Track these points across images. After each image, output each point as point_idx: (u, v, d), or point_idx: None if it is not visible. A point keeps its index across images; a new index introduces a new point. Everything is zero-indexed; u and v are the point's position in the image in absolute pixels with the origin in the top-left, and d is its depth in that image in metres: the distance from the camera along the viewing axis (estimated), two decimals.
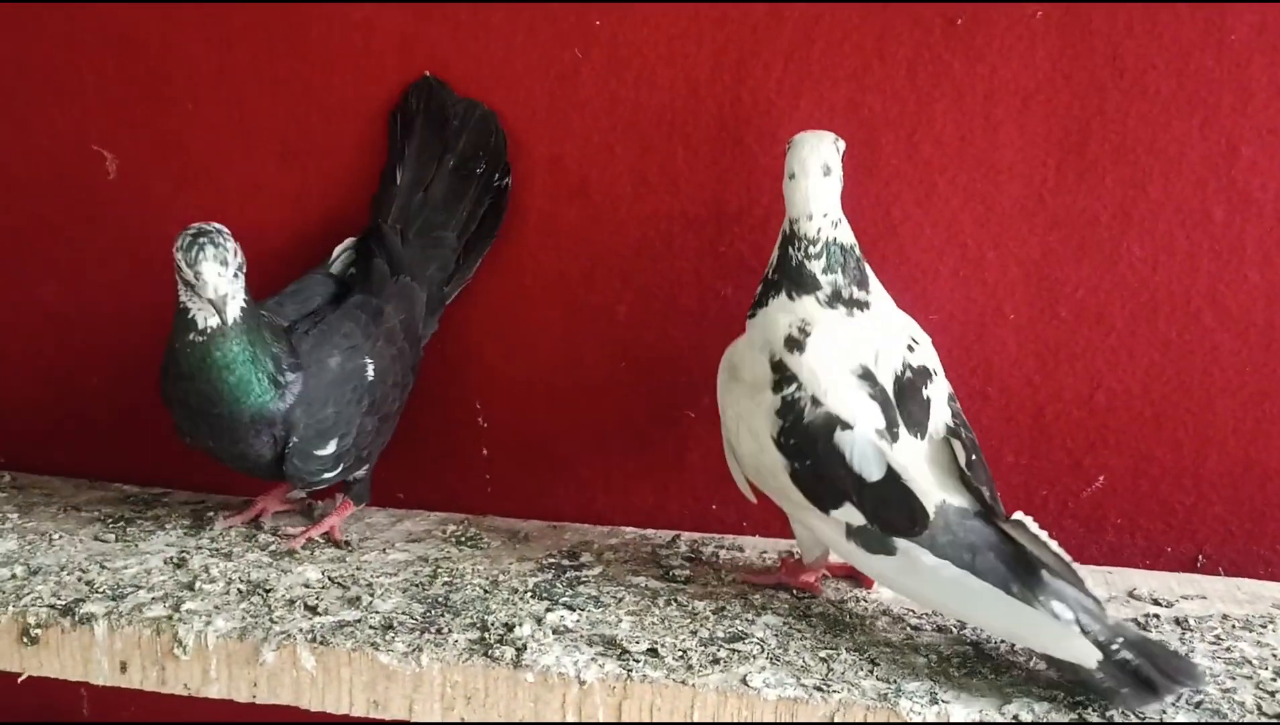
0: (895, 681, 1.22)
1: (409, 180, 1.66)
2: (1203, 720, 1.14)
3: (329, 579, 1.48)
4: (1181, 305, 1.54)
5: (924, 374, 1.36)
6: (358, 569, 1.51)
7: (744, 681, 1.22)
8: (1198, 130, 1.49)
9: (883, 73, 1.55)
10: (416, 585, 1.46)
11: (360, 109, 1.70)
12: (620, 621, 1.36)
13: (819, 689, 1.21)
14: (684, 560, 1.57)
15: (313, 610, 1.38)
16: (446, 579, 1.48)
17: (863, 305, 1.39)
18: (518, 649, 1.28)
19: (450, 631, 1.33)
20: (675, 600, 1.43)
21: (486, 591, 1.44)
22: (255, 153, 1.74)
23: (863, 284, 1.39)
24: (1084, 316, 1.56)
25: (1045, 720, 1.15)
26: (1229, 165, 1.49)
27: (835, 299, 1.38)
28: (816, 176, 1.37)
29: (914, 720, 1.16)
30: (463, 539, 1.64)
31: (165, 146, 1.77)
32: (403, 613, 1.38)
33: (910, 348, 1.38)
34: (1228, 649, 1.32)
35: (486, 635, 1.31)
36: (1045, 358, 1.58)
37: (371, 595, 1.42)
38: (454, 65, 1.66)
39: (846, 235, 1.40)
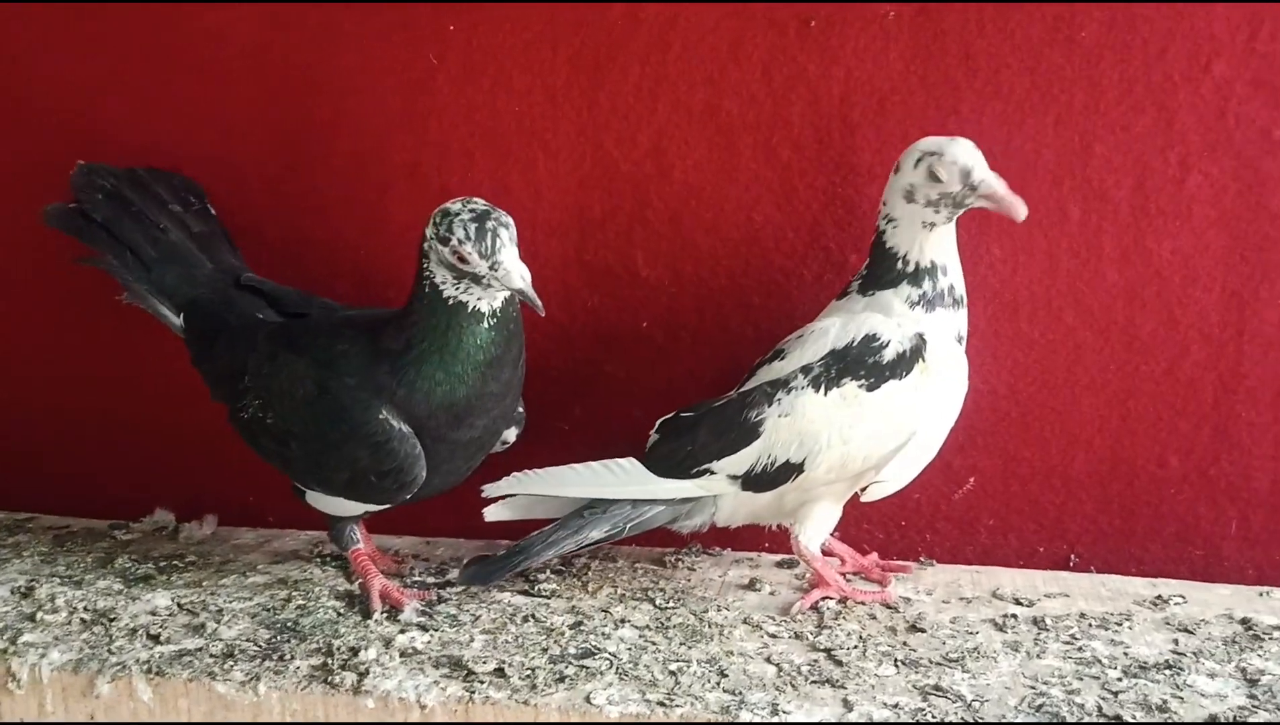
0: (740, 693, 1.20)
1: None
2: (1040, 722, 1.14)
3: (178, 606, 1.44)
4: (1043, 305, 1.53)
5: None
6: (211, 594, 1.47)
7: (588, 699, 1.20)
8: (1052, 129, 1.49)
9: (739, 76, 1.54)
10: (269, 610, 1.42)
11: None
12: (473, 641, 1.34)
13: (662, 704, 1.18)
14: (552, 573, 1.55)
15: (154, 639, 1.34)
16: (301, 602, 1.45)
17: None
18: (359, 674, 1.25)
19: (293, 658, 1.29)
20: (534, 616, 1.40)
21: (340, 614, 1.41)
22: None
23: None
24: None
25: None
26: (1083, 164, 1.49)
27: None
28: None
29: None
30: (329, 559, 1.60)
31: None
32: (247, 639, 1.34)
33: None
34: (1080, 649, 1.31)
35: (330, 661, 1.28)
36: None
37: (218, 622, 1.38)
38: (309, 72, 1.62)
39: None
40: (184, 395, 1.72)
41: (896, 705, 1.18)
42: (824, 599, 1.43)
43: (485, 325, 1.31)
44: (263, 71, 1.64)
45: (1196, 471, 1.54)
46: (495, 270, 1.26)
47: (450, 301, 1.30)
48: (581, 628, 1.37)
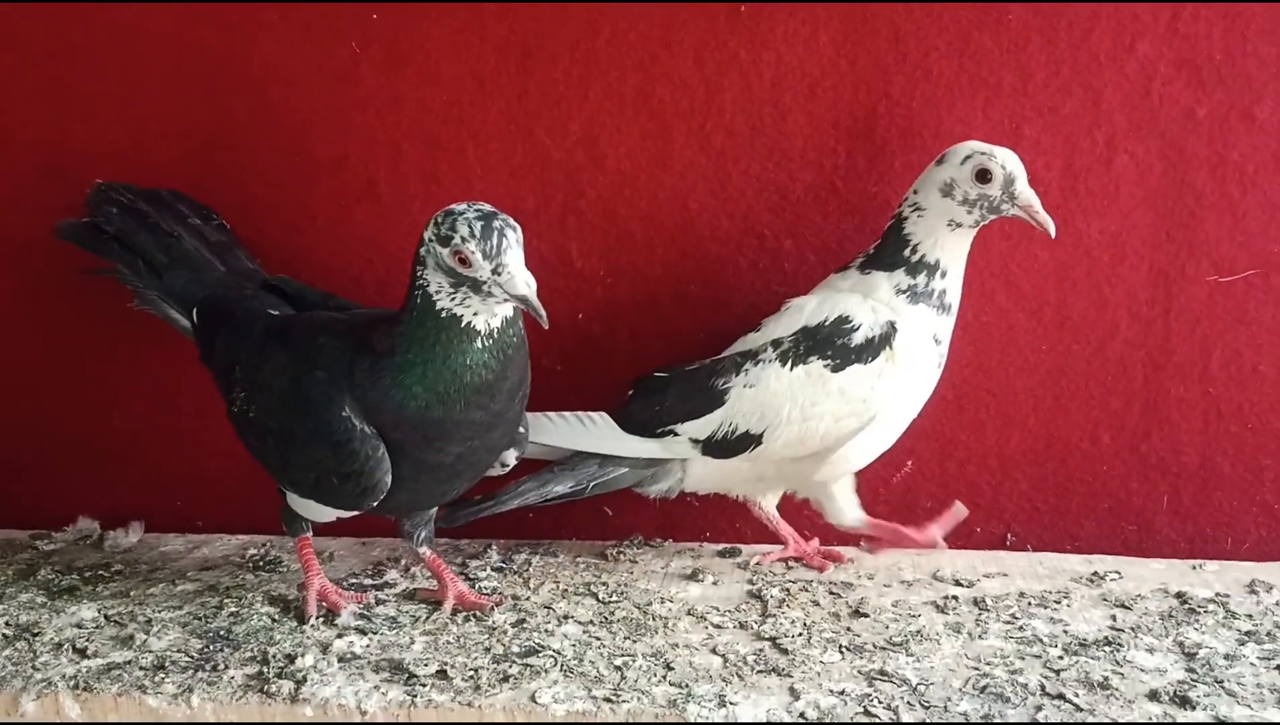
0: (687, 686, 1.19)
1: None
2: (988, 704, 1.14)
3: (105, 617, 1.39)
4: (976, 287, 1.54)
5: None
6: (139, 604, 1.42)
7: (533, 698, 1.18)
8: (981, 112, 1.50)
9: (670, 62, 1.52)
10: (200, 618, 1.38)
11: None
12: (413, 643, 1.31)
13: (609, 700, 1.17)
14: (493, 570, 1.53)
15: (81, 653, 1.29)
16: (233, 609, 1.40)
17: None
18: (297, 682, 1.21)
19: (227, 667, 1.25)
20: (476, 615, 1.38)
21: (275, 620, 1.37)
22: None
23: None
24: None
25: (830, 718, 1.13)
26: (1013, 145, 1.48)
27: None
28: None
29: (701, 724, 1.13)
30: (261, 564, 1.56)
31: None
32: (178, 650, 1.30)
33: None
34: (1021, 628, 1.32)
35: (266, 669, 1.24)
36: None
37: (147, 633, 1.34)
38: (226, 65, 1.58)
39: None
40: (106, 399, 1.68)
41: (843, 692, 1.17)
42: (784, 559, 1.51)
43: (479, 345, 1.21)
44: (177, 66, 1.59)
45: (1128, 448, 1.57)
46: (499, 274, 1.17)
47: (443, 313, 1.21)
48: (524, 625, 1.35)
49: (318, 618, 1.36)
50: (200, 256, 1.53)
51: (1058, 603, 1.39)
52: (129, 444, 1.68)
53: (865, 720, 1.12)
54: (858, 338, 1.39)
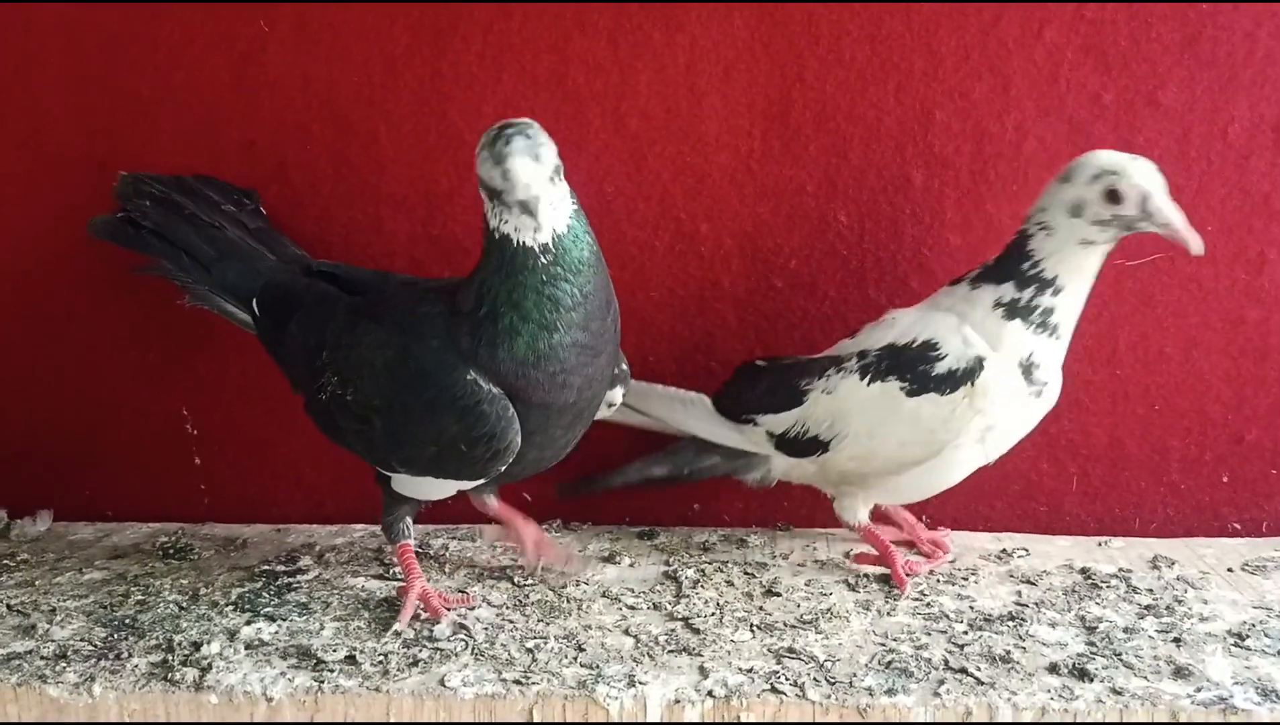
0: (597, 667, 1.19)
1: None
2: (892, 679, 1.16)
3: (8, 607, 1.36)
4: (890, 271, 1.56)
5: None
6: (44, 594, 1.40)
7: (442, 682, 1.17)
8: (893, 96, 1.51)
9: (584, 44, 1.52)
10: (105, 607, 1.36)
11: None
12: (323, 629, 1.30)
13: (518, 683, 1.17)
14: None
15: None
16: (140, 597, 1.38)
17: None
18: (202, 670, 1.20)
19: (131, 656, 1.23)
20: (388, 601, 1.37)
21: (182, 608, 1.35)
22: None
23: None
24: (798, 286, 1.57)
25: (737, 695, 1.13)
26: (924, 130, 1.52)
27: None
28: None
29: (610, 705, 1.13)
30: (172, 551, 1.54)
31: None
32: (81, 639, 1.27)
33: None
34: (929, 605, 1.34)
35: (170, 657, 1.23)
36: (764, 329, 1.58)
37: (50, 623, 1.31)
38: (129, 45, 1.54)
39: None
40: (12, 386, 1.64)
41: (751, 670, 1.18)
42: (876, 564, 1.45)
43: (541, 261, 1.17)
44: (77, 43, 1.55)
45: (1039, 430, 1.57)
46: (506, 179, 1.14)
47: (496, 235, 1.18)
48: None
49: (417, 621, 1.31)
50: (246, 245, 1.49)
51: (965, 579, 1.41)
52: (37, 431, 1.65)
53: (772, 696, 1.13)
54: (940, 367, 1.33)
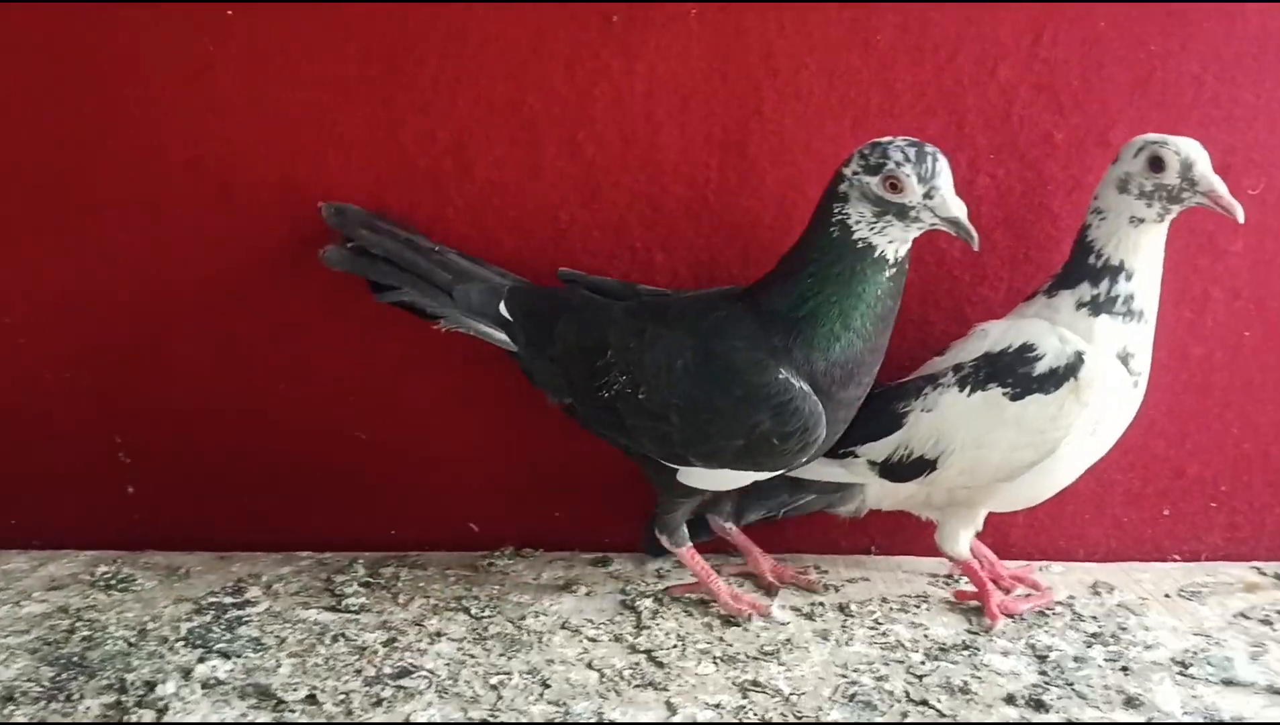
0: (564, 704, 1.19)
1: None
2: (856, 712, 1.18)
3: None
4: None
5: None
6: None
7: (407, 722, 1.16)
8: (849, 131, 1.53)
9: (541, 71, 1.51)
10: (50, 644, 1.32)
11: None
12: (280, 666, 1.27)
13: (486, 722, 1.16)
14: (360, 586, 1.49)
15: None
16: (86, 633, 1.35)
17: None
18: (158, 711, 1.17)
19: (82, 697, 1.20)
20: (344, 635, 1.35)
21: (132, 644, 1.32)
22: None
23: None
24: None
25: None
26: None
27: None
28: None
29: None
30: (113, 583, 1.50)
31: None
32: (28, 679, 1.24)
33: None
34: (884, 633, 1.37)
35: (124, 698, 1.20)
36: None
37: None
38: (75, 60, 1.49)
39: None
40: None
41: (718, 705, 1.19)
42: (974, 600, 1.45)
43: (886, 274, 1.27)
44: (20, 57, 1.50)
45: None
46: (931, 197, 1.23)
47: (859, 244, 1.26)
48: (396, 644, 1.33)
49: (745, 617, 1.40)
50: (471, 267, 1.48)
51: (917, 606, 1.44)
52: None
53: None
54: (1040, 367, 1.34)
